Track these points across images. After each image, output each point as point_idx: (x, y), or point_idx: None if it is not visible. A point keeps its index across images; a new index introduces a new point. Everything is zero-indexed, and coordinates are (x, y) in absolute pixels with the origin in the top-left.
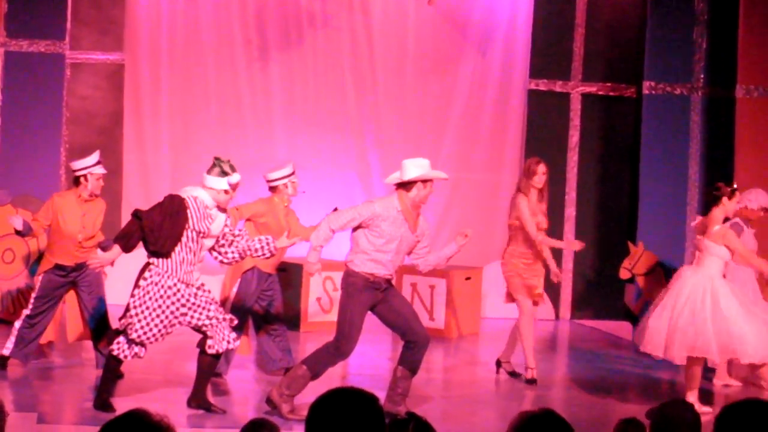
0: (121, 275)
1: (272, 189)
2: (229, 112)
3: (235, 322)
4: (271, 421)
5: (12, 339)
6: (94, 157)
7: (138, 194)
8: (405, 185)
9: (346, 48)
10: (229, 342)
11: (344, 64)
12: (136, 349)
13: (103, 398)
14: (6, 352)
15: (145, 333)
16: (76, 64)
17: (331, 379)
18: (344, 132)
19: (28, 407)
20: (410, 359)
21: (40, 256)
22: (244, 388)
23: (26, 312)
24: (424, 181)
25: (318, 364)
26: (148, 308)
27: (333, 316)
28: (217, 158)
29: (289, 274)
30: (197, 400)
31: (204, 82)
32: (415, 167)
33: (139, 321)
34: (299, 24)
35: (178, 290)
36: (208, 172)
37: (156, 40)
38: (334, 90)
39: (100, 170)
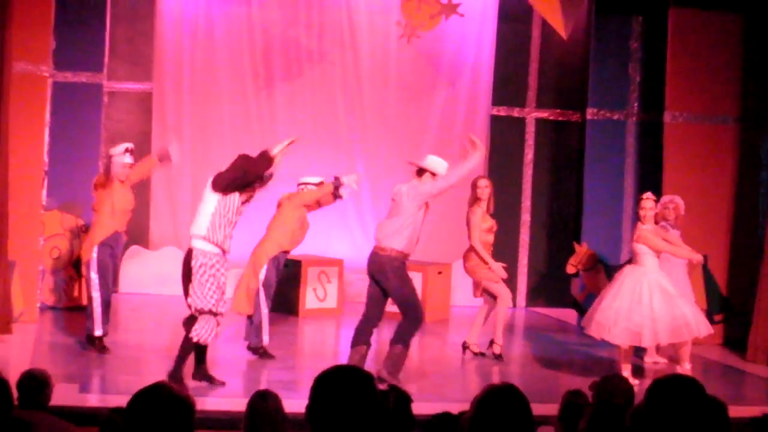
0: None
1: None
2: (241, 132)
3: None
4: (274, 392)
5: (98, 319)
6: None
7: (164, 204)
8: (420, 172)
9: (339, 80)
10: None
11: (337, 94)
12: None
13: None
14: (99, 332)
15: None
16: (112, 92)
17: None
18: (336, 150)
19: (71, 378)
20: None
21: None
22: (242, 361)
23: (95, 290)
24: (434, 176)
25: (406, 337)
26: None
27: (326, 304)
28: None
29: (290, 269)
30: (199, 375)
31: (219, 108)
32: (436, 163)
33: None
34: (299, 59)
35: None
36: None
37: (180, 72)
38: (328, 114)
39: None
